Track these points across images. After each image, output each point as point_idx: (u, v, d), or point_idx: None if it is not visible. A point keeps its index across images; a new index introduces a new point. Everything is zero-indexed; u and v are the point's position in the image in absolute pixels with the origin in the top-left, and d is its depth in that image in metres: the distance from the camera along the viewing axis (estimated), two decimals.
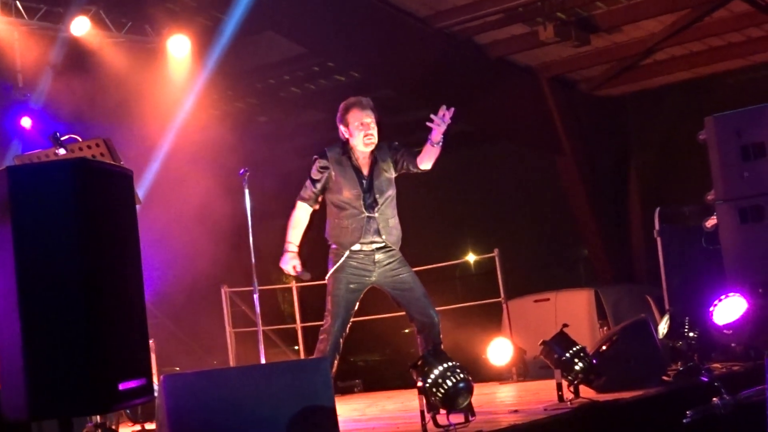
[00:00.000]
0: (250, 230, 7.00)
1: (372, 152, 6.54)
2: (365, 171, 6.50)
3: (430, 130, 6.35)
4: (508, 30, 12.69)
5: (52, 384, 3.57)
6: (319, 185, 6.48)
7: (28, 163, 5.28)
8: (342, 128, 6.53)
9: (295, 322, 11.21)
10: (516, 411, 6.52)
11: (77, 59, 10.81)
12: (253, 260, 7.07)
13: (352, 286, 6.44)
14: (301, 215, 6.56)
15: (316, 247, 6.80)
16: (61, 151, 5.57)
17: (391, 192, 6.59)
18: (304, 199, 6.54)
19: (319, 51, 12.64)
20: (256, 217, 7.16)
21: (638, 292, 11.41)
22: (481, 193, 16.77)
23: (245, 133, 12.50)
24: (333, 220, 6.53)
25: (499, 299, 10.55)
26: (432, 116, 6.32)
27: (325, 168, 6.49)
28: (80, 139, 5.73)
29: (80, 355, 3.58)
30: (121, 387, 3.71)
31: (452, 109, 6.33)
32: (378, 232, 6.48)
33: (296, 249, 6.52)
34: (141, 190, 6.71)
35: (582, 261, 16.28)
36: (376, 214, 6.47)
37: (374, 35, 11.97)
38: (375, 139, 6.50)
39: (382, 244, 6.51)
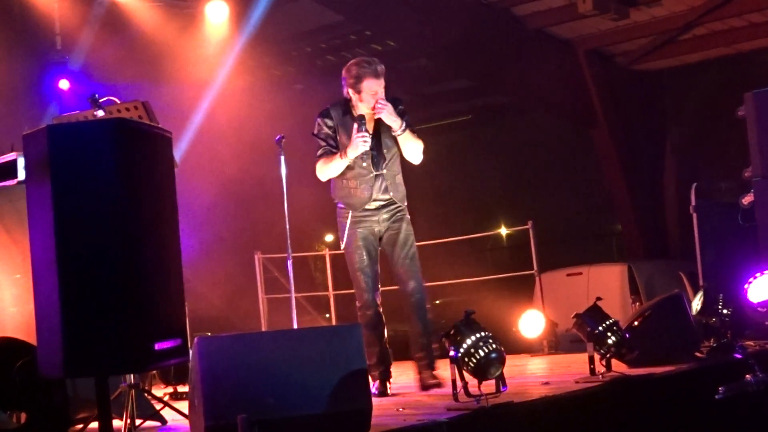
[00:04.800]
0: (285, 197, 7.00)
1: None
2: (370, 128, 6.36)
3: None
4: (546, 2, 12.61)
5: (88, 342, 3.59)
6: (332, 141, 6.38)
7: (67, 123, 5.29)
8: (350, 92, 6.38)
9: (327, 289, 11.24)
10: (547, 383, 6.51)
11: (115, 22, 10.83)
12: (288, 227, 7.08)
13: (368, 255, 6.39)
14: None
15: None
16: (100, 113, 5.58)
17: (395, 148, 6.45)
18: (321, 156, 6.41)
19: (357, 19, 12.59)
20: (290, 184, 7.16)
21: (671, 267, 11.37)
22: (515, 165, 16.72)
23: (281, 100, 12.48)
24: (339, 180, 6.43)
25: (532, 272, 10.53)
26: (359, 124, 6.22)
27: (330, 126, 6.41)
28: (118, 101, 5.74)
29: (117, 314, 3.60)
30: (156, 347, 3.72)
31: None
32: (386, 190, 6.39)
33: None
34: (177, 154, 6.71)
35: (615, 236, 16.22)
36: (384, 171, 6.38)
37: (412, 4, 11.91)
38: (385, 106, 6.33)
39: (388, 201, 6.42)
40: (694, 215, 9.34)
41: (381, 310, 6.46)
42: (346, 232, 6.41)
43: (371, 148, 6.30)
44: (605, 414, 5.87)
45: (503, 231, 15.66)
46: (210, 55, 11.70)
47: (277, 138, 7.12)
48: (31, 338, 4.47)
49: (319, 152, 6.43)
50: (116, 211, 3.65)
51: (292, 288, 7.27)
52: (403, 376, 8.11)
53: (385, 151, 6.38)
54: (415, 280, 6.46)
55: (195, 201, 9.85)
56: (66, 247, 3.61)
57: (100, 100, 5.67)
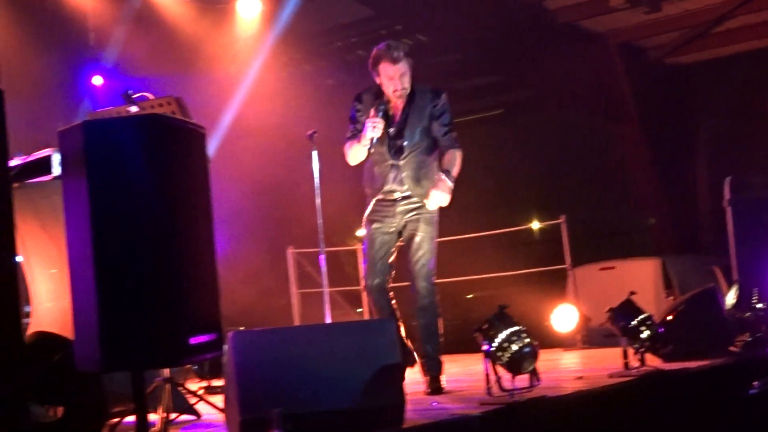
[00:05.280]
0: (318, 191, 7.01)
1: (409, 97, 6.31)
2: (396, 115, 6.29)
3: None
4: None
5: (124, 337, 3.61)
6: (360, 125, 6.31)
7: (103, 118, 5.32)
8: (375, 77, 6.35)
9: (359, 284, 11.25)
10: (581, 377, 6.51)
11: (147, 18, 10.89)
12: (320, 222, 7.09)
13: (376, 243, 6.34)
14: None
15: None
16: (133, 109, 5.61)
17: (424, 142, 6.32)
18: (348, 139, 6.40)
19: (387, 13, 12.59)
20: (323, 179, 7.17)
21: (705, 262, 11.29)
22: (546, 160, 16.66)
23: (313, 95, 12.50)
24: (366, 165, 6.42)
25: (565, 266, 10.51)
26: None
27: (358, 110, 6.37)
28: (152, 97, 5.77)
29: (152, 309, 3.61)
30: (191, 341, 3.74)
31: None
32: (401, 182, 6.28)
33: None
34: (209, 149, 6.74)
35: (648, 230, 16.13)
36: (401, 163, 6.27)
37: None
38: (405, 91, 6.27)
39: (407, 194, 6.31)
40: (728, 209, 9.27)
41: (388, 299, 6.37)
42: (364, 218, 6.39)
43: (389, 137, 6.24)
44: (639, 408, 5.85)
45: (535, 225, 15.62)
46: (241, 51, 11.74)
47: (309, 133, 7.12)
48: (67, 333, 4.50)
49: (348, 135, 6.42)
50: (151, 206, 3.67)
51: (325, 282, 7.29)
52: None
53: (405, 142, 6.27)
54: (422, 285, 6.33)
55: (227, 196, 9.89)
56: (102, 242, 3.63)
57: (134, 96, 5.69)
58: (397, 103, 6.30)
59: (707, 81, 14.90)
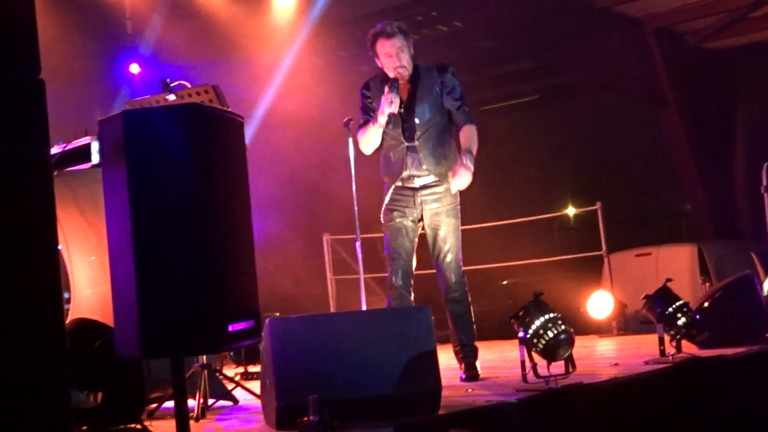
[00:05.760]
0: (353, 178, 7.02)
1: (413, 76, 6.14)
2: (404, 96, 6.10)
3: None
4: None
5: (164, 324, 3.65)
6: (371, 113, 6.17)
7: (143, 108, 5.37)
8: (375, 59, 6.23)
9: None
10: (616, 364, 6.50)
11: (184, 6, 10.94)
12: (356, 208, 7.10)
13: (399, 235, 6.18)
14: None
15: None
16: (171, 97, 5.65)
17: (436, 118, 6.14)
18: (361, 127, 6.24)
19: (422, 0, 12.58)
20: (358, 166, 7.18)
21: (742, 248, 11.24)
22: (582, 146, 16.62)
23: (348, 82, 12.52)
24: (381, 152, 6.28)
25: (600, 252, 10.49)
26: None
27: (368, 98, 6.24)
28: (189, 86, 5.80)
29: (192, 296, 3.65)
30: (230, 328, 3.78)
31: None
32: (419, 164, 6.09)
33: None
34: (246, 136, 6.77)
35: (684, 216, 16.06)
36: (416, 143, 6.09)
37: None
38: (405, 69, 6.10)
39: (428, 180, 6.14)
40: (766, 195, 9.21)
41: (410, 294, 6.22)
42: (383, 207, 6.24)
43: (402, 119, 6.10)
44: (675, 395, 5.84)
45: (570, 211, 15.59)
46: (277, 38, 11.77)
47: (344, 120, 7.11)
48: (106, 319, 4.55)
49: (360, 123, 6.28)
50: (191, 194, 3.70)
51: (361, 269, 7.29)
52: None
53: (416, 121, 6.09)
54: (452, 278, 6.19)
55: (263, 183, 9.94)
56: (142, 230, 3.67)
57: (172, 85, 5.73)
58: (401, 86, 6.12)
59: (745, 65, 14.80)
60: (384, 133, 6.14)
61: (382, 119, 6.04)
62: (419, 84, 6.12)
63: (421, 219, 6.21)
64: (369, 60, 6.50)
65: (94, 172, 5.86)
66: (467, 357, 6.26)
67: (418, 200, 6.16)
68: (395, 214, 6.21)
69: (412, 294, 6.26)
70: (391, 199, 6.20)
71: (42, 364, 3.04)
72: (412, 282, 6.27)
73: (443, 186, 6.14)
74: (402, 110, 6.06)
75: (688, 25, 13.87)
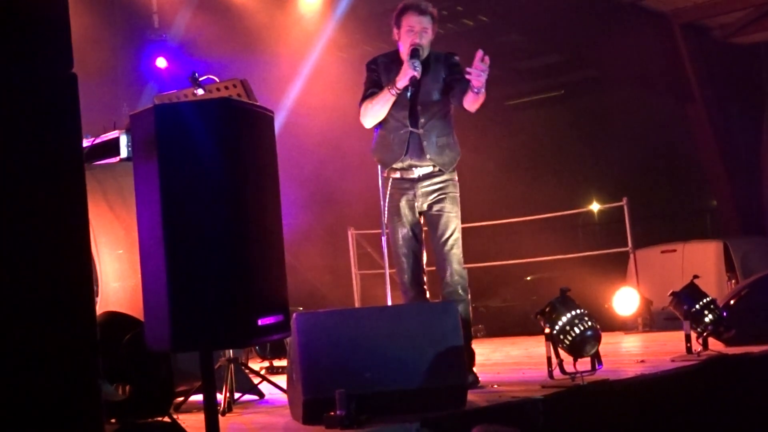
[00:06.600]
0: (380, 173, 7.02)
1: (425, 61, 5.85)
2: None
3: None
4: None
5: (194, 317, 3.66)
6: (377, 87, 5.89)
7: (174, 102, 5.38)
8: (395, 30, 5.96)
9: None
10: (643, 361, 6.49)
11: (211, 1, 10.97)
12: (382, 202, 7.10)
13: (408, 231, 5.92)
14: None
15: None
16: (200, 92, 5.66)
17: (441, 107, 5.91)
18: (365, 99, 5.94)
19: None
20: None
21: None
22: (608, 141, 16.57)
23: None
24: (379, 132, 5.99)
25: (626, 249, 10.46)
26: (468, 69, 5.53)
27: (374, 71, 5.97)
28: (218, 80, 5.82)
29: (222, 290, 3.66)
30: (260, 322, 3.79)
31: (487, 58, 5.51)
32: (422, 151, 5.83)
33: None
34: None
35: (710, 212, 15.99)
36: (420, 130, 5.83)
37: None
38: (421, 47, 5.81)
39: (429, 169, 5.87)
40: None
41: (427, 293, 5.99)
42: (387, 202, 5.94)
43: (409, 103, 5.80)
44: (702, 393, 5.83)
45: (595, 207, 15.55)
46: (304, 32, 11.78)
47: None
48: (134, 312, 4.58)
49: (365, 94, 5.95)
50: (221, 189, 3.71)
51: (386, 264, 7.30)
52: (497, 353, 8.12)
53: (420, 108, 5.85)
54: (451, 270, 5.86)
55: (288, 177, 9.94)
56: (173, 223, 3.68)
57: (200, 79, 5.74)
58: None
59: None
60: (387, 113, 5.89)
61: (402, 83, 5.72)
62: (429, 71, 5.90)
63: (422, 213, 5.97)
64: None
65: (122, 165, 5.91)
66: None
67: (420, 191, 5.90)
68: (396, 217, 5.96)
69: (427, 292, 6.03)
70: (391, 197, 5.95)
71: (73, 357, 3.06)
72: (425, 279, 6.02)
73: (444, 175, 5.93)
74: (409, 93, 5.77)
75: (716, 19, 13.79)
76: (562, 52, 14.56)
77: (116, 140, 6.03)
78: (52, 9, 3.10)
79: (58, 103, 3.11)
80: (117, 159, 6.04)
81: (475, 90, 5.59)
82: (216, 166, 3.71)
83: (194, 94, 5.70)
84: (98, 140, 6.10)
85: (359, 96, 6.03)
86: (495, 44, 13.71)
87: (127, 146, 5.99)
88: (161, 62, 10.55)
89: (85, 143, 5.82)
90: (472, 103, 5.73)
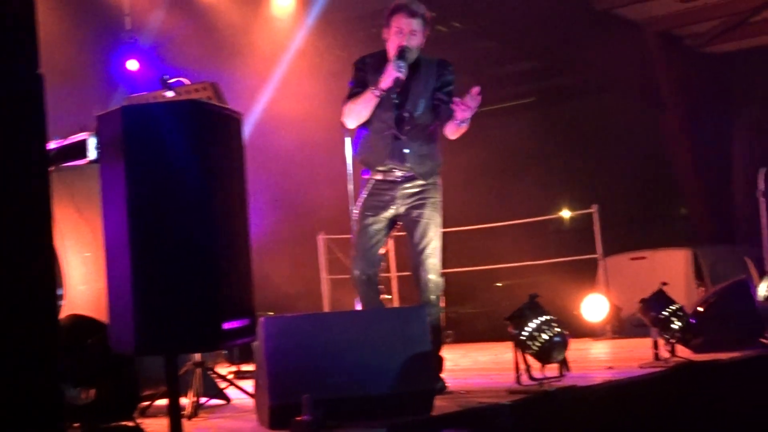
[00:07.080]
0: (350, 177, 7.02)
1: (413, 68, 5.73)
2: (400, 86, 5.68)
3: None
4: None
5: (159, 321, 3.64)
6: (362, 87, 5.76)
7: (142, 103, 5.36)
8: (384, 29, 5.82)
9: (389, 271, 11.27)
10: (611, 368, 6.51)
11: (184, 3, 10.93)
12: (352, 208, 7.10)
13: (373, 230, 5.79)
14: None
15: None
16: (170, 94, 5.62)
17: (427, 115, 5.76)
18: (349, 98, 5.80)
19: (421, 1, 12.56)
20: (355, 166, 7.18)
21: (737, 253, 11.25)
22: (579, 148, 16.61)
23: (347, 81, 12.52)
24: (361, 134, 5.87)
25: (596, 256, 10.49)
26: (456, 100, 5.46)
27: (361, 70, 5.83)
28: (188, 82, 5.79)
29: (187, 294, 3.64)
30: (225, 326, 3.76)
31: (479, 97, 5.42)
32: (403, 158, 5.71)
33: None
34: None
35: (680, 220, 16.06)
36: (404, 137, 5.70)
37: None
38: (409, 52, 5.69)
39: (409, 174, 5.75)
40: (762, 200, 9.21)
41: (377, 291, 5.88)
42: (361, 196, 5.83)
43: (395, 107, 5.70)
44: (670, 399, 5.84)
45: (566, 214, 15.59)
46: (277, 37, 11.76)
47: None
48: (100, 315, 4.54)
49: (349, 94, 5.83)
50: (188, 191, 3.69)
51: None
52: (465, 358, 8.12)
53: (406, 115, 5.73)
54: (430, 278, 5.75)
55: (259, 181, 9.92)
56: (139, 226, 3.66)
57: (170, 81, 5.70)
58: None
59: (745, 70, 14.81)
60: (372, 114, 5.77)
61: (386, 83, 5.61)
62: (418, 77, 5.79)
63: (397, 218, 5.86)
64: None
65: (90, 168, 5.86)
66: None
67: (399, 194, 5.78)
68: (369, 212, 5.82)
69: (380, 287, 5.95)
70: (369, 195, 5.81)
71: (34, 360, 3.03)
72: (378, 279, 5.92)
73: (427, 183, 5.83)
74: (395, 97, 5.71)
75: (689, 29, 13.89)
76: (536, 59, 14.60)
77: (84, 142, 5.97)
78: (16, 6, 3.06)
79: (23, 102, 3.07)
80: (85, 161, 5.99)
81: (458, 122, 5.52)
82: (183, 168, 3.69)
83: (164, 97, 5.67)
84: (66, 142, 6.05)
85: (332, 101, 5.98)
86: (468, 50, 13.73)
87: (96, 148, 5.95)
88: (133, 64, 10.49)
89: (54, 145, 5.77)
90: (453, 132, 5.65)
